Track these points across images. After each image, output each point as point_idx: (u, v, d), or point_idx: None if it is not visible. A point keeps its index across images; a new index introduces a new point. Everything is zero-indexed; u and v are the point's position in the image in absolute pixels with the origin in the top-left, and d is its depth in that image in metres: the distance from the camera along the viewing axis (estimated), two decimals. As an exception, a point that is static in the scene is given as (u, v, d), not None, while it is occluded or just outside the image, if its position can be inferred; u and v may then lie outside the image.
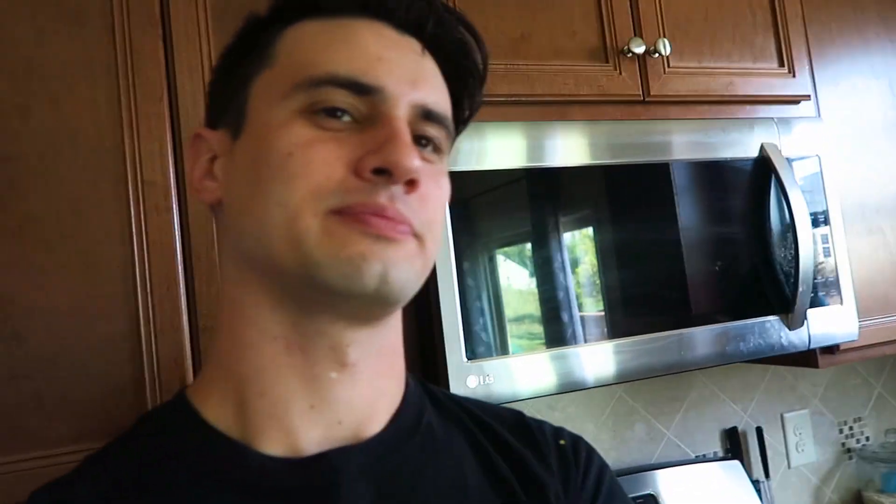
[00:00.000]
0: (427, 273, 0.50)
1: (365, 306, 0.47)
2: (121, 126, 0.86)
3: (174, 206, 0.87)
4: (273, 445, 0.48)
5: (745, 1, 1.28)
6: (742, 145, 1.20)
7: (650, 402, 1.62)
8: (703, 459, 1.60)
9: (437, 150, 0.52)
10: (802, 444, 1.77)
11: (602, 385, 1.08)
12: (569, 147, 1.08)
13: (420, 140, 0.50)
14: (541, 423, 0.62)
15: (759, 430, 1.68)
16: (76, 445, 0.78)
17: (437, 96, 0.51)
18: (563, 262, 1.08)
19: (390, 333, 0.53)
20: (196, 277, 0.87)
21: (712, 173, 1.18)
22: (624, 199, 1.13)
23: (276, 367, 0.48)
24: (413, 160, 0.46)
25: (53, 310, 0.81)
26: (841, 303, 1.27)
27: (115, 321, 0.83)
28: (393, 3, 0.51)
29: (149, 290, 0.84)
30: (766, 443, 1.68)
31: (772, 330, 1.21)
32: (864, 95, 1.43)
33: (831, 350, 1.33)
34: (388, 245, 0.46)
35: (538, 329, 1.05)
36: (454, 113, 0.55)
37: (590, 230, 1.11)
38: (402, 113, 0.48)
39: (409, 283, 0.47)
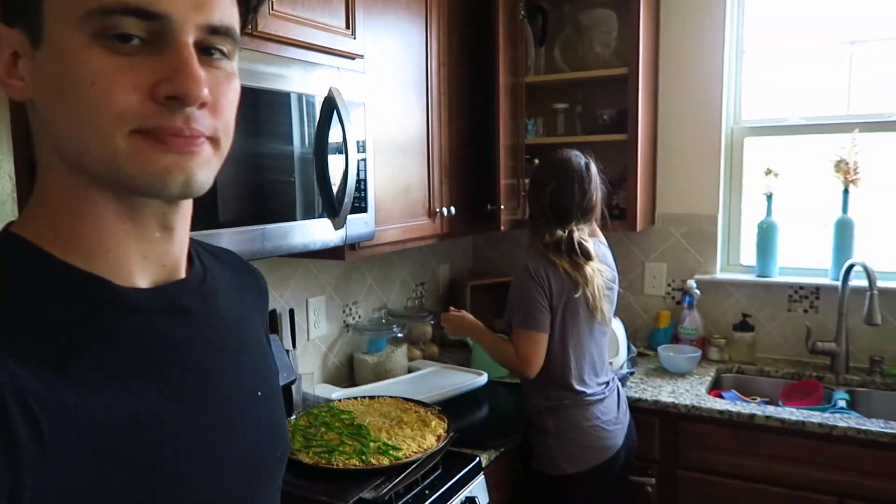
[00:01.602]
0: (222, 162, 0.61)
1: (173, 201, 0.59)
2: None
3: None
4: (121, 282, 0.59)
5: (329, -29, 1.58)
6: (311, 84, 1.52)
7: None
8: (249, 336, 1.93)
9: (226, 55, 0.57)
10: (318, 322, 2.27)
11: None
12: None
13: (209, 50, 0.55)
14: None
15: (292, 312, 2.09)
16: None
17: (222, 12, 0.55)
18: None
19: (191, 204, 0.64)
20: None
21: (290, 103, 1.48)
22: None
23: (114, 232, 0.58)
24: (201, 89, 0.52)
25: None
26: (367, 212, 1.74)
27: None
28: None
29: None
30: (296, 322, 2.11)
31: (323, 229, 1.59)
32: (396, 60, 1.91)
33: (354, 247, 1.81)
34: (188, 157, 0.54)
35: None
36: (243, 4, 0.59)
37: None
38: (188, 38, 0.53)
39: (207, 180, 0.57)
